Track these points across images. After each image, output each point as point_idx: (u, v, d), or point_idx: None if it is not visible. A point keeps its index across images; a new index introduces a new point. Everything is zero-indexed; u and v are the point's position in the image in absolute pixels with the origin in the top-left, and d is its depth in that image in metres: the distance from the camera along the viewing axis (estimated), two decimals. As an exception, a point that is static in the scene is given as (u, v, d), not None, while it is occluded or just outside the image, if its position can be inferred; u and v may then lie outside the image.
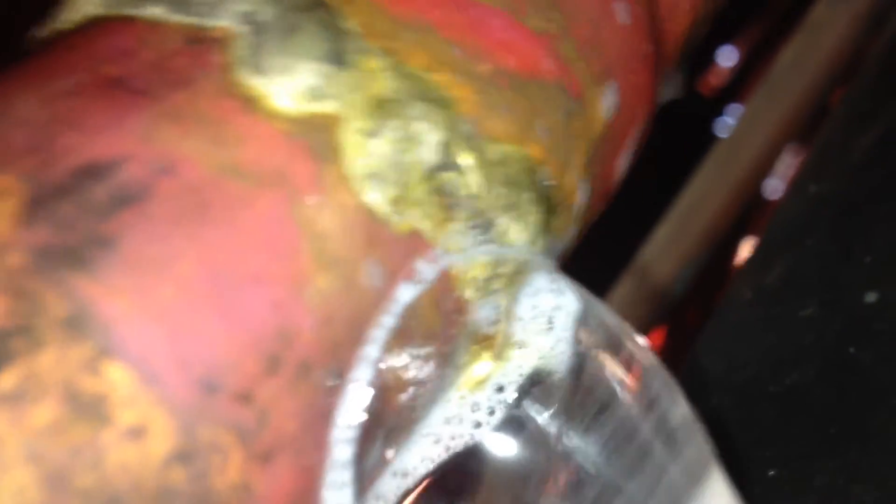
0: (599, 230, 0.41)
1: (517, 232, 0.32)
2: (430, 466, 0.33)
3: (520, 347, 0.33)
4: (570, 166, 0.35)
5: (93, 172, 0.26)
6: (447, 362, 0.32)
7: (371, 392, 0.29)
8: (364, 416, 0.29)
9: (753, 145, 0.95)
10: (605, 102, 0.36)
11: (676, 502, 0.33)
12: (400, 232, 0.30)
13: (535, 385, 0.33)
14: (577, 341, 0.33)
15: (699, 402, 0.34)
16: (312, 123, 0.29)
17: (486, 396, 0.33)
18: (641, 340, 0.34)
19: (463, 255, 0.31)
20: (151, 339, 0.25)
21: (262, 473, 0.27)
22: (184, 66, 0.29)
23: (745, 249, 0.94)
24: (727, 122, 1.03)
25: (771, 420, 0.51)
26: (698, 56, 0.49)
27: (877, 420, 0.48)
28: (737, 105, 1.03)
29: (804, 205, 0.64)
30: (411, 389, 0.31)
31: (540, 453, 0.33)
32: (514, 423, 0.33)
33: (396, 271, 0.30)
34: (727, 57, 1.07)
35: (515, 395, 0.33)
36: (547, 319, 0.33)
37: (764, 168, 0.95)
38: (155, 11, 0.30)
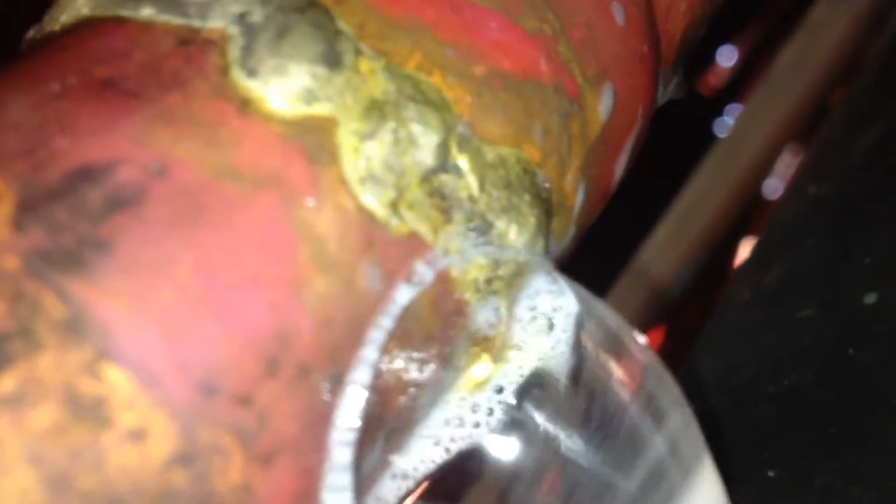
0: (598, 230, 0.41)
1: (516, 234, 0.32)
2: (430, 468, 0.33)
3: (519, 349, 0.33)
4: (567, 168, 0.35)
5: (86, 176, 0.26)
6: (447, 364, 0.32)
7: (369, 394, 0.29)
8: (363, 418, 0.29)
9: (753, 145, 0.95)
10: (603, 104, 0.36)
11: (670, 497, 0.33)
12: (398, 234, 0.30)
13: (534, 386, 0.33)
14: (576, 342, 0.33)
15: (698, 403, 0.34)
16: (307, 126, 0.29)
17: (485, 398, 0.33)
18: (641, 339, 0.34)
19: (461, 256, 0.31)
20: (150, 342, 0.25)
21: (262, 475, 0.27)
22: (176, 68, 0.29)
23: (745, 250, 0.94)
24: (726, 123, 1.03)
25: (770, 421, 0.51)
26: (698, 56, 0.49)
27: (876, 421, 0.48)
28: (736, 105, 1.03)
29: (804, 205, 0.64)
30: (411, 391, 0.31)
31: (539, 454, 0.33)
32: (514, 424, 0.33)
33: (395, 273, 0.30)
34: (727, 57, 1.07)
35: (515, 396, 0.33)
36: (546, 320, 0.33)
37: (763, 168, 0.95)
38: (146, 13, 0.30)
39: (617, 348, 0.34)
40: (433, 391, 0.32)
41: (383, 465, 0.32)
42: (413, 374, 0.31)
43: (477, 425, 0.33)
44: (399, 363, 0.31)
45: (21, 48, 0.33)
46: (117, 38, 0.30)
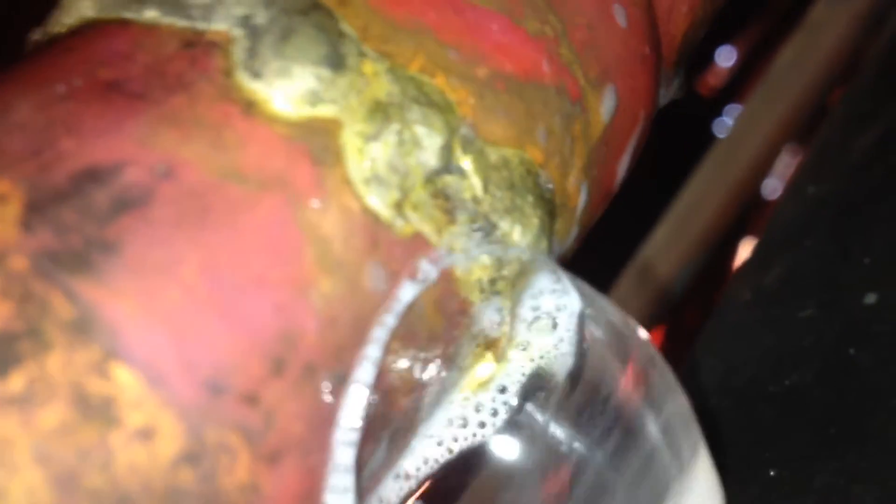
0: (599, 230, 0.41)
1: (519, 234, 0.32)
2: (433, 468, 0.33)
3: (523, 348, 0.33)
4: (570, 169, 0.35)
5: (93, 177, 0.27)
6: (451, 364, 0.32)
7: (372, 392, 0.29)
8: (366, 418, 0.29)
9: (752, 145, 0.95)
10: (605, 105, 0.36)
11: (667, 491, 0.33)
12: (403, 235, 0.30)
13: (537, 386, 0.33)
14: (579, 340, 0.33)
15: (698, 403, 0.34)
16: (312, 127, 0.29)
17: (489, 397, 0.33)
18: (644, 334, 0.34)
19: (465, 254, 0.31)
20: (157, 342, 0.26)
21: (269, 474, 0.27)
22: (181, 70, 0.29)
23: (744, 250, 0.94)
24: (726, 123, 1.03)
25: (770, 420, 0.52)
26: (697, 56, 0.49)
27: (876, 421, 0.48)
28: (736, 105, 1.03)
29: (803, 205, 0.64)
30: (415, 391, 0.31)
31: (541, 454, 0.33)
32: (517, 423, 0.33)
33: (400, 274, 0.30)
34: (726, 57, 1.07)
35: (518, 395, 0.33)
36: (550, 320, 0.33)
37: (763, 168, 0.95)
38: (150, 15, 0.30)
39: (619, 346, 0.34)
40: (437, 391, 0.32)
41: (388, 465, 0.32)
42: (417, 373, 0.31)
43: (480, 425, 0.33)
44: (403, 363, 0.31)
45: (25, 50, 0.33)
46: (121, 40, 0.30)
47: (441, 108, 0.31)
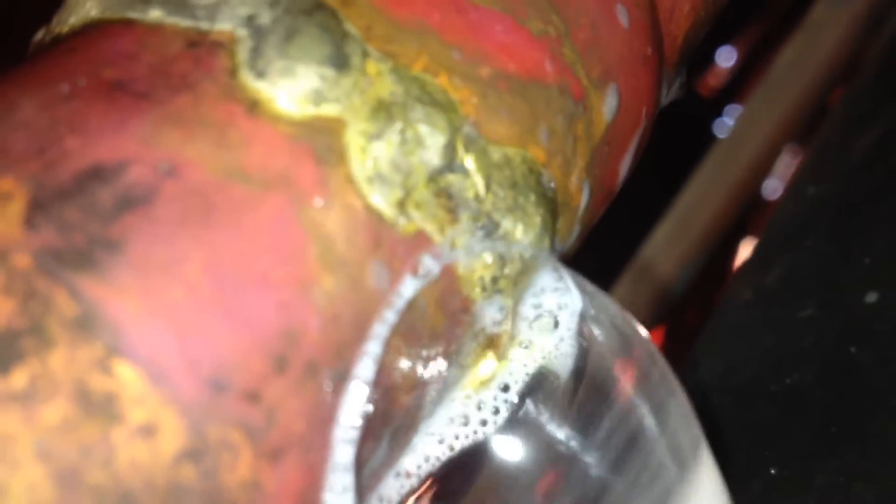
0: (599, 230, 0.41)
1: (522, 233, 0.32)
2: (434, 466, 0.33)
3: (525, 347, 0.33)
4: (572, 168, 0.35)
5: (97, 175, 0.27)
6: (452, 362, 0.32)
7: (373, 390, 0.29)
8: (366, 414, 0.29)
9: (752, 146, 0.95)
10: (607, 105, 0.36)
11: (669, 492, 0.33)
12: (406, 233, 0.30)
13: (539, 384, 0.33)
14: (581, 338, 0.34)
15: (698, 402, 0.35)
16: (315, 127, 0.29)
17: (490, 396, 0.33)
18: (644, 332, 0.34)
19: (467, 250, 0.31)
20: (160, 340, 0.26)
21: (271, 471, 0.27)
22: (185, 70, 0.29)
23: (745, 250, 0.94)
24: (726, 123, 1.03)
25: (771, 420, 0.52)
26: (697, 57, 0.49)
27: (876, 420, 0.48)
28: (736, 105, 1.03)
29: (803, 205, 0.64)
30: (417, 389, 0.32)
31: (543, 453, 0.33)
32: (518, 422, 0.33)
33: (402, 272, 0.30)
34: (726, 57, 1.07)
35: (520, 394, 0.33)
36: (551, 318, 0.33)
37: (763, 168, 0.95)
38: (155, 15, 0.30)
39: (621, 344, 0.34)
40: (439, 389, 0.32)
41: (389, 463, 0.32)
42: (418, 371, 0.31)
43: (482, 423, 0.33)
44: (405, 361, 0.31)
45: (29, 50, 0.33)
46: (126, 40, 0.30)
47: (444, 107, 0.31)
